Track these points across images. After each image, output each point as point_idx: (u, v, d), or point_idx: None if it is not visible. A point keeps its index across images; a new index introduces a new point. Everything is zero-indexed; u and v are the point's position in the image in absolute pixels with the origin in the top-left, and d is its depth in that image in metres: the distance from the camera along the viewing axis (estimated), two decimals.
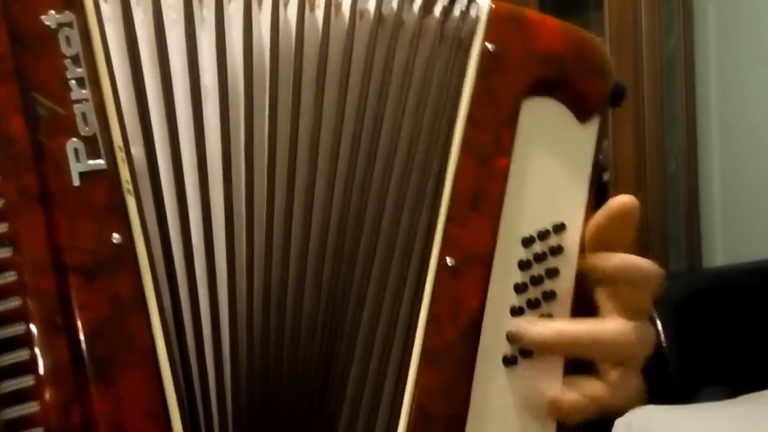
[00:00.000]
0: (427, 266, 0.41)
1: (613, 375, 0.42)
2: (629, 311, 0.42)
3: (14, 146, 0.36)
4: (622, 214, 0.42)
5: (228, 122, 0.41)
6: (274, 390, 0.40)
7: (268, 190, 0.41)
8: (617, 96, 0.46)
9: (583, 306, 0.44)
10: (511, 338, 0.41)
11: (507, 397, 0.41)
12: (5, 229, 0.35)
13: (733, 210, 2.40)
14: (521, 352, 0.42)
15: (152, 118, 0.39)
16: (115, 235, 0.36)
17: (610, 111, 0.47)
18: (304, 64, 0.43)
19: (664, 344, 1.87)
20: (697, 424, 1.59)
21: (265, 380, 0.40)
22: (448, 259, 0.41)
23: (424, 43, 0.44)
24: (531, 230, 0.43)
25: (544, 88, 0.44)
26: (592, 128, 0.45)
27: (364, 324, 0.42)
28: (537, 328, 0.41)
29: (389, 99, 0.43)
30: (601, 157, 0.46)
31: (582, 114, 0.45)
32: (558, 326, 0.42)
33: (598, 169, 0.46)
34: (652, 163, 2.30)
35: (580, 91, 0.44)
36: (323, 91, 0.43)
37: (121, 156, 0.37)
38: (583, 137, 0.45)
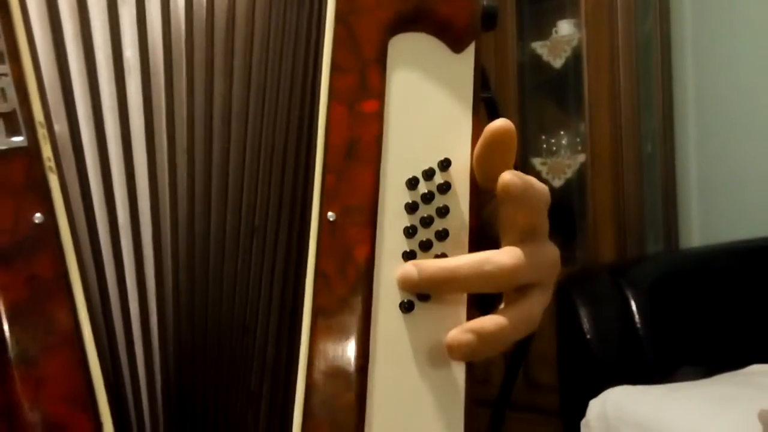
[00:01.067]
0: (308, 224, 0.40)
1: (516, 300, 0.42)
2: (524, 233, 0.42)
3: None
4: (496, 138, 0.41)
5: (150, 96, 0.40)
6: (198, 372, 0.39)
7: (189, 164, 0.40)
8: (488, 18, 0.44)
9: (487, 239, 0.43)
10: (400, 284, 0.40)
11: (409, 344, 0.40)
12: None
13: (710, 191, 2.41)
14: (418, 296, 0.41)
15: (75, 94, 0.38)
16: (37, 215, 0.35)
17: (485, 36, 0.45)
18: (215, 34, 0.42)
19: (640, 326, 1.89)
20: (673, 403, 1.60)
21: (190, 360, 0.39)
22: (330, 214, 0.40)
23: None
24: (415, 171, 0.42)
25: (407, 21, 0.42)
26: (467, 57, 0.43)
27: (262, 293, 0.41)
28: (424, 269, 0.40)
29: (254, 58, 0.42)
30: (489, 92, 0.45)
31: (454, 43, 0.43)
32: (444, 264, 0.41)
33: (480, 97, 0.44)
34: (628, 145, 2.30)
35: (444, 19, 0.42)
36: (232, 61, 0.42)
37: (42, 132, 0.36)
38: (459, 67, 0.43)
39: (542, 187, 0.42)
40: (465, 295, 0.42)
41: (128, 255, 0.38)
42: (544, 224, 0.43)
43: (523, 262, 0.41)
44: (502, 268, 0.40)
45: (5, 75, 0.35)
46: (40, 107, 0.36)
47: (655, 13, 2.43)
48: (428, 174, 0.42)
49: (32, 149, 0.35)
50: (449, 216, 0.42)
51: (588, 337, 1.84)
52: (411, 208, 0.41)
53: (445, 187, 0.42)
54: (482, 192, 0.43)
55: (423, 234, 0.41)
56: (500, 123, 0.41)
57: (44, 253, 0.35)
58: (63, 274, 0.35)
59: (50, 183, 0.36)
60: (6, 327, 0.34)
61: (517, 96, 2.39)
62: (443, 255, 0.41)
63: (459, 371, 0.41)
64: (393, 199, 0.41)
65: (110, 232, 0.38)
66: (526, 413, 2.09)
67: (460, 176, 0.42)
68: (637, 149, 2.37)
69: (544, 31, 2.43)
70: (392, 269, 0.40)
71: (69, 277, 0.35)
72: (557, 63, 2.38)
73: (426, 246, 0.41)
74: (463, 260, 0.41)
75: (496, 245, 0.42)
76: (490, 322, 0.40)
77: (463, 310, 0.41)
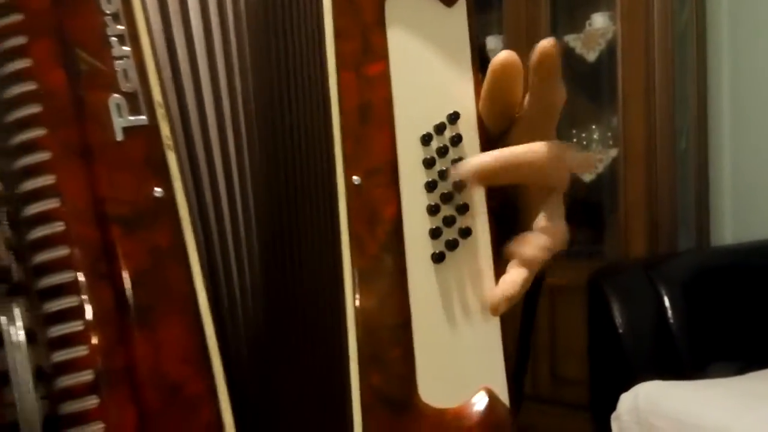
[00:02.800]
0: (335, 190, 0.42)
1: (542, 223, 0.43)
2: (533, 135, 0.43)
3: (57, 100, 0.37)
4: (503, 69, 0.43)
5: (233, 72, 0.42)
6: (283, 329, 0.42)
7: (248, 140, 0.42)
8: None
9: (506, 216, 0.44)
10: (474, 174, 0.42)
11: (445, 293, 0.42)
12: (52, 181, 0.36)
13: (743, 188, 2.40)
14: (447, 244, 0.42)
15: (182, 76, 0.41)
16: (157, 189, 0.37)
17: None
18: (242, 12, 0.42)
19: (672, 321, 1.89)
20: (705, 399, 1.60)
21: (273, 327, 0.41)
22: (355, 178, 0.41)
23: None
24: (427, 127, 0.43)
25: None
26: (460, 9, 0.44)
27: (303, 260, 0.42)
28: (462, 167, 0.42)
29: (269, 34, 0.43)
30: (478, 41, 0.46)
31: None
32: (477, 160, 0.42)
33: (477, 47, 0.45)
34: (662, 140, 2.29)
35: None
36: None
37: (161, 112, 0.38)
38: (454, 20, 0.44)
39: (563, 90, 0.43)
40: (489, 239, 0.43)
41: (229, 227, 0.41)
42: (547, 132, 0.44)
43: (541, 149, 0.42)
44: (524, 154, 0.42)
45: (128, 57, 0.38)
46: (159, 88, 0.39)
47: (692, 7, 2.41)
48: (439, 128, 0.43)
49: (152, 128, 0.38)
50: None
51: (620, 331, 1.84)
52: (428, 163, 0.43)
53: (456, 139, 0.43)
54: (492, 141, 0.44)
55: (443, 186, 0.43)
56: (505, 54, 0.42)
57: (163, 224, 0.37)
58: (180, 244, 0.37)
59: (169, 159, 0.38)
60: (129, 292, 0.36)
61: None
62: (464, 204, 0.43)
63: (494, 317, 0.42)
64: (410, 157, 0.42)
65: (214, 205, 0.40)
66: (552, 407, 2.10)
67: (469, 127, 0.44)
68: (671, 144, 2.36)
69: (577, 23, 2.42)
70: (419, 224, 0.42)
71: (186, 248, 0.38)
72: (591, 56, 2.37)
73: (448, 198, 0.43)
74: (489, 154, 0.42)
75: (513, 221, 0.44)
76: (518, 276, 0.42)
77: (489, 253, 0.43)
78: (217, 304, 0.39)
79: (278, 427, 0.40)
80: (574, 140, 2.44)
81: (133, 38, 0.38)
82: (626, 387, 1.70)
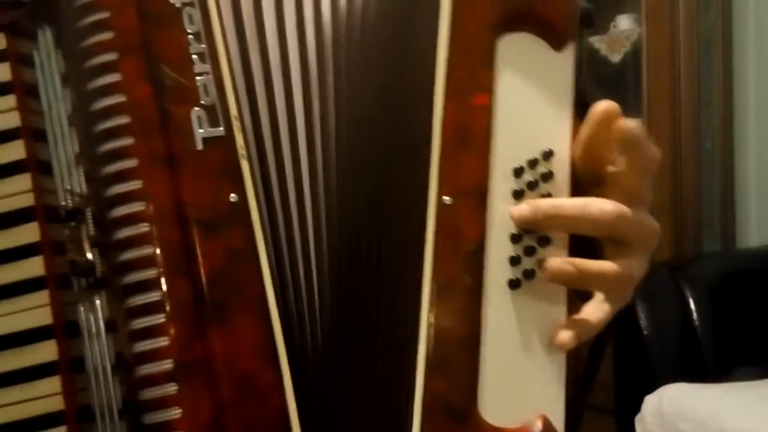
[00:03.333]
0: (426, 207, 0.44)
1: (616, 255, 0.45)
2: (629, 194, 0.44)
3: (144, 112, 0.40)
4: (601, 117, 0.45)
5: (310, 93, 0.45)
6: (349, 330, 0.44)
7: (337, 155, 0.45)
8: (586, 19, 0.48)
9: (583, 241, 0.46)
10: (515, 219, 0.44)
11: (517, 318, 0.44)
12: (138, 186, 0.40)
13: None
14: (524, 273, 0.45)
15: (257, 92, 0.44)
16: (232, 195, 0.41)
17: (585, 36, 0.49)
18: (353, 35, 0.46)
19: (698, 324, 1.89)
20: (730, 403, 1.61)
21: (342, 326, 0.44)
22: (445, 198, 0.44)
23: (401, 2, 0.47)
24: (521, 160, 0.45)
25: (513, 22, 0.46)
26: (568, 54, 0.47)
27: (392, 265, 0.45)
28: (534, 203, 0.44)
29: (384, 58, 0.47)
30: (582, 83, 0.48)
31: (555, 41, 0.47)
32: (551, 200, 0.45)
33: (580, 93, 0.48)
34: (687, 143, 2.30)
35: (547, 19, 0.47)
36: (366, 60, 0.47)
37: (236, 124, 0.42)
38: (560, 64, 0.47)
39: (656, 149, 0.45)
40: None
41: (297, 233, 0.44)
42: (648, 193, 0.46)
43: (625, 213, 0.44)
44: (603, 213, 0.44)
45: (207, 74, 0.41)
46: (235, 102, 0.42)
47: (717, 9, 2.41)
48: (532, 163, 0.46)
49: (229, 139, 0.41)
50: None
51: (645, 333, 1.85)
52: (517, 193, 0.45)
53: (547, 176, 0.46)
54: (580, 185, 0.46)
55: None
56: (607, 104, 0.45)
57: (238, 227, 0.41)
58: (252, 246, 0.41)
59: (243, 168, 0.41)
60: (206, 290, 0.40)
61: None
62: (546, 237, 0.45)
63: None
64: (501, 185, 0.45)
65: (283, 212, 0.44)
66: (584, 408, 2.11)
67: (561, 165, 0.46)
68: (696, 146, 2.37)
69: (602, 25, 2.42)
70: (500, 249, 0.44)
71: (257, 250, 0.41)
72: (615, 58, 2.38)
73: (530, 230, 0.45)
74: (569, 200, 0.45)
75: (591, 247, 0.46)
76: (591, 262, 0.44)
77: (564, 289, 0.45)
78: (285, 303, 0.42)
79: (340, 419, 0.43)
80: None
81: (213, 56, 0.41)
82: (651, 390, 1.71)
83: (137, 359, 0.40)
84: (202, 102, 0.41)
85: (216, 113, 0.41)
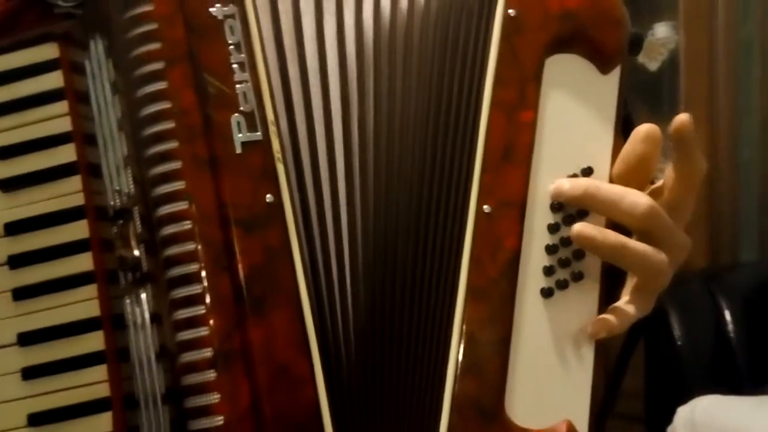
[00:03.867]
0: (466, 214, 0.46)
1: (637, 288, 0.46)
2: (668, 204, 0.46)
3: (188, 118, 0.43)
4: (644, 138, 0.46)
5: (348, 103, 0.47)
6: (382, 327, 0.46)
7: (375, 161, 0.47)
8: (634, 44, 0.50)
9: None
10: (553, 195, 0.46)
11: (547, 325, 0.46)
12: (182, 187, 0.43)
13: None
14: (557, 283, 0.46)
15: (293, 98, 0.46)
16: (269, 196, 0.43)
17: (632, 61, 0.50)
18: (397, 43, 0.49)
19: (733, 335, 1.87)
20: (764, 416, 1.58)
21: (374, 322, 0.46)
22: (486, 207, 0.46)
23: (453, 13, 0.49)
24: (560, 175, 0.47)
25: (563, 43, 0.48)
26: (614, 78, 0.49)
27: (426, 268, 0.47)
28: (574, 181, 0.46)
29: (434, 71, 0.48)
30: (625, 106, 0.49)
31: (603, 65, 0.49)
32: (591, 181, 0.46)
33: (622, 116, 0.49)
34: (724, 150, 2.26)
35: (597, 43, 0.48)
36: (405, 69, 0.49)
37: (273, 129, 0.44)
38: (605, 87, 0.49)
39: (704, 165, 0.46)
40: (597, 291, 0.47)
41: (331, 232, 0.46)
42: (687, 211, 0.47)
43: (658, 212, 0.45)
44: (637, 204, 0.45)
45: (247, 81, 0.44)
46: (272, 108, 0.45)
47: (757, 15, 2.38)
48: (572, 178, 0.47)
49: (266, 143, 0.44)
50: (588, 217, 0.47)
51: (679, 343, 1.83)
52: (555, 207, 0.47)
53: None
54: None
55: (564, 231, 0.47)
56: (649, 126, 0.47)
57: (274, 227, 0.43)
58: (287, 245, 0.43)
59: (278, 171, 0.44)
60: (245, 284, 0.42)
61: None
62: (581, 251, 0.47)
63: (589, 354, 0.46)
64: (540, 198, 0.47)
65: (317, 213, 0.46)
66: (612, 419, 2.09)
67: None
68: (734, 154, 2.34)
69: None
70: (536, 259, 0.46)
71: (291, 248, 0.43)
72: (653, 66, 2.36)
73: (566, 242, 0.47)
74: (608, 186, 0.46)
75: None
76: (618, 235, 0.45)
77: (595, 300, 0.47)
78: (318, 299, 0.45)
79: (370, 411, 0.45)
80: None
81: (252, 65, 0.44)
82: (683, 400, 1.69)
83: (180, 348, 0.42)
84: (242, 108, 0.44)
85: (254, 119, 0.44)
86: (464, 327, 0.45)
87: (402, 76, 0.48)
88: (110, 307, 0.47)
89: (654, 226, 0.46)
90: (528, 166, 0.47)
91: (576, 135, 0.48)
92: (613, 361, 0.54)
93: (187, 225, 0.43)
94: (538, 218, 0.47)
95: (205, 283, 0.42)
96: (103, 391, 0.46)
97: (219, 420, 0.41)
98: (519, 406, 0.44)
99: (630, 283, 0.48)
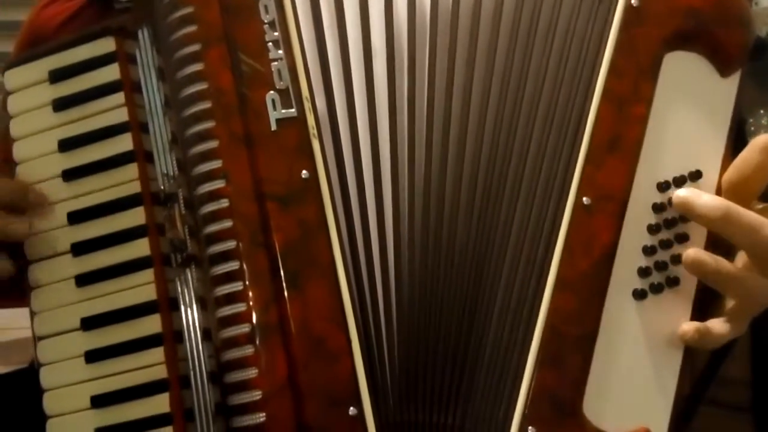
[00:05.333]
0: (564, 204, 0.44)
1: (736, 310, 0.44)
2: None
3: (225, 97, 0.44)
4: (762, 149, 0.43)
5: (394, 78, 0.47)
6: (431, 303, 0.46)
7: (427, 136, 0.47)
8: (758, 49, 0.47)
9: (719, 250, 0.45)
10: (677, 206, 0.44)
11: (636, 328, 0.44)
12: (219, 165, 0.44)
13: None
14: (651, 287, 0.44)
15: (332, 74, 0.46)
16: (304, 172, 0.43)
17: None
18: (460, 21, 0.48)
19: None
20: None
21: (423, 293, 0.46)
22: (585, 199, 0.44)
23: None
24: (667, 176, 0.45)
25: (684, 40, 0.46)
26: (732, 82, 0.47)
27: (509, 254, 0.46)
28: (709, 200, 0.43)
29: (534, 51, 0.47)
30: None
31: (723, 67, 0.47)
32: (730, 204, 0.43)
33: (737, 122, 0.47)
34: None
35: (719, 43, 0.46)
36: (476, 46, 0.48)
37: (308, 106, 0.44)
38: (723, 90, 0.47)
39: None
40: (692, 295, 0.45)
41: (371, 208, 0.46)
42: None
43: (758, 283, 0.43)
44: (741, 278, 0.43)
45: (281, 59, 0.44)
46: (306, 86, 0.45)
47: None
48: (679, 181, 0.46)
49: (300, 119, 0.44)
50: (691, 223, 0.45)
51: None
52: (658, 207, 0.45)
53: None
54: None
55: (665, 234, 0.45)
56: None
57: (310, 202, 0.43)
58: (323, 220, 0.43)
59: (314, 147, 0.44)
60: (282, 258, 0.42)
61: None
62: (679, 256, 0.45)
63: (676, 362, 0.44)
64: (643, 196, 0.45)
65: (357, 188, 0.46)
66: (710, 408, 1.97)
67: (708, 188, 0.46)
68: None
69: None
70: (631, 258, 0.44)
71: (327, 223, 0.43)
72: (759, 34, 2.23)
73: (666, 245, 0.45)
74: (747, 212, 0.43)
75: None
76: (730, 264, 0.43)
77: (689, 307, 0.45)
78: (356, 273, 0.44)
79: (413, 388, 0.45)
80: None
81: (286, 43, 0.45)
82: None
83: (220, 323, 0.43)
84: (276, 86, 0.44)
85: (289, 96, 0.44)
86: (549, 317, 0.43)
87: (467, 58, 0.47)
88: (167, 290, 0.48)
89: (751, 293, 0.44)
90: (634, 161, 0.45)
91: (687, 136, 0.46)
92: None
93: (224, 203, 0.43)
94: (639, 217, 0.45)
95: (243, 260, 0.42)
96: (160, 372, 0.47)
97: (257, 394, 0.41)
98: (598, 406, 0.43)
99: (730, 302, 0.46)
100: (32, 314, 0.50)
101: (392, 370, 0.45)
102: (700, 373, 0.52)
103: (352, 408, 0.41)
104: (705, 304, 0.45)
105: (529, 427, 0.42)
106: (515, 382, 0.43)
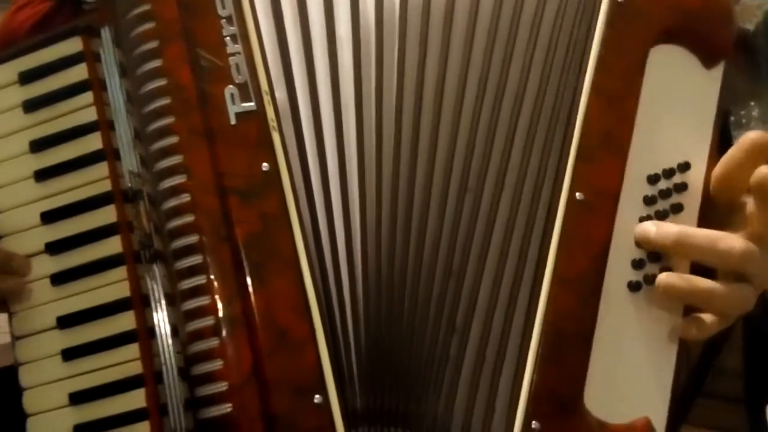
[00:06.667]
0: (557, 201, 0.45)
1: (730, 281, 0.44)
2: (758, 237, 0.44)
3: (184, 93, 0.44)
4: (749, 147, 0.44)
5: (360, 68, 0.47)
6: (397, 293, 0.46)
7: (396, 128, 0.47)
8: (744, 42, 0.49)
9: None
10: (638, 239, 0.45)
11: (632, 319, 0.45)
12: (180, 160, 0.44)
13: None
14: (645, 278, 0.45)
15: (293, 66, 0.47)
16: (264, 164, 0.44)
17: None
18: (432, 10, 0.48)
19: None
20: None
21: (390, 284, 0.46)
22: (578, 194, 0.45)
23: None
24: (657, 168, 0.46)
25: (670, 35, 0.46)
26: (717, 73, 0.47)
27: (492, 247, 0.46)
28: (662, 227, 0.44)
29: (517, 44, 0.47)
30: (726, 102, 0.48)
31: (707, 60, 0.47)
32: (681, 227, 0.44)
33: (722, 113, 0.47)
34: None
35: (705, 38, 0.47)
36: (449, 38, 0.48)
37: (267, 99, 0.45)
38: (708, 82, 0.47)
39: None
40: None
41: (336, 198, 0.46)
42: None
43: (751, 253, 0.43)
44: (732, 250, 0.43)
45: (239, 53, 0.45)
46: (265, 78, 0.45)
47: None
48: (668, 173, 0.46)
49: (260, 112, 0.44)
50: (681, 213, 0.46)
51: None
52: (649, 200, 0.46)
53: (681, 187, 0.46)
54: (711, 203, 0.46)
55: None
56: (758, 134, 0.44)
57: (271, 195, 0.44)
58: (285, 212, 0.43)
59: (274, 139, 0.44)
60: (244, 252, 0.43)
61: None
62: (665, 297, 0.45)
63: (671, 352, 0.45)
64: (634, 190, 0.46)
65: (321, 180, 0.46)
66: (705, 399, 1.97)
67: (696, 180, 0.46)
68: None
69: None
70: (626, 251, 0.45)
71: (289, 215, 0.43)
72: (747, 27, 2.22)
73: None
74: (700, 231, 0.44)
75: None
76: (703, 280, 0.44)
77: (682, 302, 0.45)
78: (320, 264, 0.45)
79: (379, 378, 0.45)
80: (732, 119, 2.29)
81: (244, 37, 0.45)
82: None
83: (186, 317, 0.43)
84: (235, 80, 0.44)
85: (248, 89, 0.44)
86: (548, 316, 0.44)
87: (439, 49, 0.47)
88: (139, 287, 0.48)
89: (748, 267, 0.44)
90: (624, 155, 0.46)
91: (675, 128, 0.47)
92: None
93: (186, 198, 0.44)
94: (631, 209, 0.45)
95: (206, 253, 0.43)
96: (136, 368, 0.47)
97: (223, 386, 0.42)
98: (600, 399, 0.43)
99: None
100: (10, 315, 0.50)
101: (358, 358, 0.45)
102: (696, 364, 0.52)
103: (317, 396, 0.41)
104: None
105: (533, 422, 0.42)
106: (514, 379, 0.44)
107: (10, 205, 0.51)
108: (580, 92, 0.46)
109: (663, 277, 0.44)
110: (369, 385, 0.45)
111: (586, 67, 0.46)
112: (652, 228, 0.44)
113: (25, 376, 0.49)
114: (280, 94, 0.46)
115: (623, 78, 0.46)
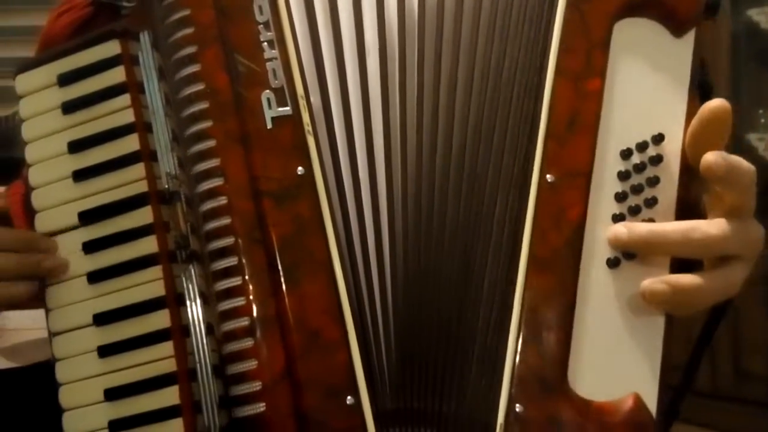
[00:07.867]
0: (529, 183, 0.45)
1: (716, 267, 0.44)
2: (730, 211, 0.44)
3: (221, 97, 0.45)
4: (712, 116, 0.44)
5: (386, 71, 0.48)
6: (425, 292, 0.46)
7: (417, 124, 0.47)
8: (711, 7, 0.47)
9: (693, 214, 0.45)
10: (610, 242, 0.44)
11: (612, 296, 0.44)
12: (217, 164, 0.45)
13: None
14: (624, 254, 0.44)
15: (326, 71, 0.47)
16: (300, 168, 0.44)
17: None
18: (445, 18, 0.49)
19: None
20: None
21: (418, 281, 0.46)
22: (549, 176, 0.45)
23: None
24: (629, 143, 0.45)
25: (633, 8, 0.46)
26: (687, 41, 0.46)
27: (494, 236, 0.46)
28: (634, 229, 0.44)
29: (495, 38, 0.48)
30: (703, 70, 0.47)
31: (676, 28, 0.46)
32: (653, 227, 0.44)
33: (698, 80, 0.47)
34: None
35: (670, 7, 0.46)
36: (459, 39, 0.48)
37: (302, 104, 0.45)
38: (678, 51, 0.46)
39: (748, 167, 0.44)
40: (668, 258, 0.45)
41: (366, 202, 0.47)
42: (750, 203, 0.45)
43: (728, 234, 0.43)
44: (708, 237, 0.43)
45: (276, 59, 0.46)
46: (301, 83, 0.46)
47: None
48: (641, 146, 0.46)
49: (296, 117, 0.45)
50: (659, 186, 0.45)
51: None
52: (623, 175, 0.46)
53: (656, 159, 0.46)
54: (693, 171, 0.45)
55: (633, 200, 0.45)
56: (717, 102, 0.44)
57: (305, 198, 0.44)
58: (318, 215, 0.44)
59: (309, 143, 0.45)
60: (278, 254, 0.43)
61: (731, 67, 2.23)
62: (650, 220, 0.45)
63: (658, 326, 0.44)
64: (607, 166, 0.46)
65: (353, 182, 0.47)
66: (733, 404, 1.96)
67: (672, 151, 0.46)
68: None
69: None
70: (602, 229, 0.45)
71: (323, 218, 0.44)
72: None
73: (634, 211, 0.45)
74: (671, 226, 0.44)
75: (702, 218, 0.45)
76: (686, 278, 0.44)
77: (665, 272, 0.45)
78: (352, 266, 0.45)
79: (410, 377, 0.45)
80: (762, 121, 2.26)
81: (281, 42, 0.46)
82: None
83: (221, 317, 0.44)
84: (272, 85, 0.45)
85: (284, 94, 0.45)
86: (526, 297, 0.44)
87: (452, 49, 0.48)
88: (174, 286, 0.49)
89: (729, 248, 0.44)
90: (594, 134, 0.45)
91: (647, 101, 0.46)
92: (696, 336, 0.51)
93: (222, 200, 0.45)
94: (606, 186, 0.45)
95: (241, 255, 0.44)
96: (170, 366, 0.48)
97: (257, 385, 0.43)
98: (584, 377, 0.43)
99: (708, 266, 0.46)
100: (47, 311, 0.51)
101: (389, 360, 0.45)
102: (696, 341, 0.52)
103: (349, 397, 0.42)
104: (682, 269, 0.45)
105: (516, 405, 0.42)
106: (496, 364, 0.44)
107: (49, 205, 0.52)
108: (545, 76, 0.46)
109: (645, 284, 0.44)
110: (400, 386, 0.45)
111: (550, 50, 0.46)
112: (623, 230, 0.44)
113: (62, 372, 0.50)
114: (315, 98, 0.47)
115: (587, 57, 0.46)
